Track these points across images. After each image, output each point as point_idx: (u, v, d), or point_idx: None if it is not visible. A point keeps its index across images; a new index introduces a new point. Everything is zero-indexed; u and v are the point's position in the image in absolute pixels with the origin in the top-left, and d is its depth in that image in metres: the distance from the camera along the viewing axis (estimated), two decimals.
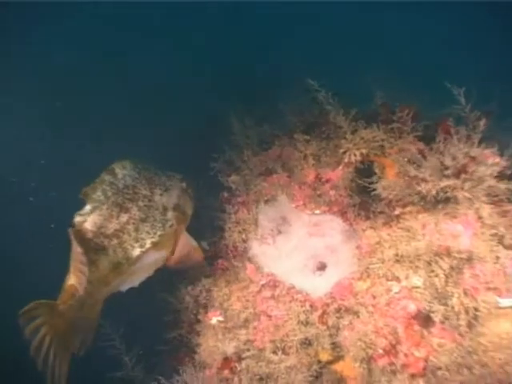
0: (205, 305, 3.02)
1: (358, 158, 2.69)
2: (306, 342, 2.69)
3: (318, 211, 2.92)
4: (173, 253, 2.94)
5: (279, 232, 3.09)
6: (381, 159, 2.69)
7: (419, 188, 2.39)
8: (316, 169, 2.93)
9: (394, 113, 2.74)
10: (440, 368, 2.32)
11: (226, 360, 2.68)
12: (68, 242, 2.52)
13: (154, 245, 2.73)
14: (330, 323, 2.64)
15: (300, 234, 2.98)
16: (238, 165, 3.39)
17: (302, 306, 2.76)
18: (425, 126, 2.70)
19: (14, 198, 5.68)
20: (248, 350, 2.70)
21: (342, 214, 2.86)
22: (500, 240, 2.35)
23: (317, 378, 2.67)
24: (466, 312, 2.32)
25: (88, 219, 2.69)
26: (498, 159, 2.38)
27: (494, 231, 2.35)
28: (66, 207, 2.87)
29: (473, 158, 2.35)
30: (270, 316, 2.79)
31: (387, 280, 2.52)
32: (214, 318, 2.85)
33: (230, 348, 2.67)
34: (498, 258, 2.32)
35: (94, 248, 2.60)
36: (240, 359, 2.68)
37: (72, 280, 2.54)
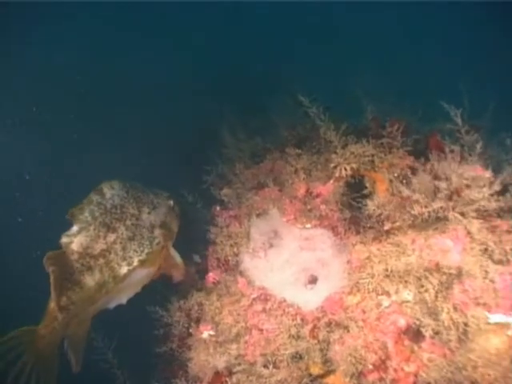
0: (197, 319, 3.02)
1: (349, 172, 2.71)
2: (297, 356, 2.69)
3: (308, 225, 2.92)
4: (159, 269, 2.96)
5: (271, 245, 3.09)
6: (371, 174, 2.71)
7: (412, 211, 2.39)
8: (307, 183, 2.95)
9: (384, 127, 2.76)
10: (430, 383, 2.32)
11: (217, 374, 2.67)
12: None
13: (142, 263, 2.78)
14: (321, 337, 2.64)
15: (291, 248, 2.99)
16: (230, 178, 3.40)
17: (293, 320, 2.76)
18: (415, 141, 2.72)
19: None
20: (239, 364, 2.69)
21: (333, 228, 2.87)
22: (490, 255, 2.36)
23: None
24: (456, 327, 2.32)
25: (75, 240, 2.70)
26: (488, 174, 2.40)
27: (483, 246, 2.36)
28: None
29: (467, 182, 2.36)
30: (261, 330, 2.79)
31: (377, 294, 2.52)
32: (206, 332, 2.84)
33: (220, 362, 2.67)
34: (487, 273, 2.33)
35: (79, 269, 2.64)
36: (231, 374, 2.67)
37: (54, 302, 2.57)
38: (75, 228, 2.76)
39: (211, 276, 3.13)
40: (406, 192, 2.40)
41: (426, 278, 2.40)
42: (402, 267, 2.44)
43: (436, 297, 2.39)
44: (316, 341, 2.65)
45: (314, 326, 2.68)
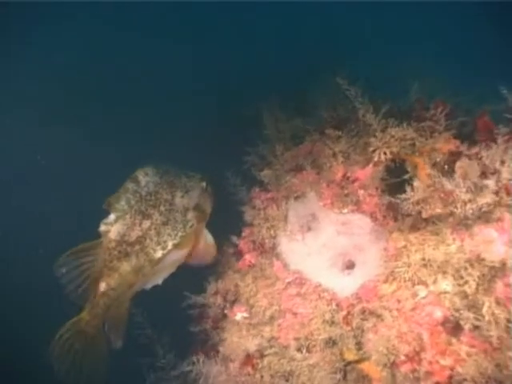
0: (232, 300, 3.07)
1: (389, 156, 2.59)
2: (331, 342, 2.67)
3: (345, 210, 2.85)
4: (193, 249, 3.04)
5: (309, 229, 3.05)
6: (412, 158, 2.58)
7: (453, 209, 2.25)
8: (345, 167, 2.86)
9: (428, 109, 2.61)
10: (466, 379, 2.22)
11: (248, 357, 2.72)
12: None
13: (176, 246, 2.86)
14: (354, 325, 2.60)
15: (328, 232, 2.93)
16: (269, 159, 3.37)
17: (328, 305, 2.73)
18: (461, 123, 2.55)
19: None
20: (271, 347, 2.72)
21: (371, 213, 2.78)
22: None
23: (341, 375, 2.65)
24: (497, 322, 2.20)
25: (112, 229, 2.81)
26: None
27: None
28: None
29: None
30: (295, 313, 2.79)
31: (413, 284, 2.43)
32: (239, 314, 2.89)
33: (252, 345, 2.70)
34: None
35: (116, 256, 2.76)
36: (262, 356, 2.70)
37: (95, 289, 2.80)
38: (112, 216, 2.87)
39: (247, 258, 3.15)
40: (448, 186, 2.26)
41: (466, 269, 2.27)
42: (440, 257, 2.33)
43: (477, 290, 2.26)
44: (349, 328, 2.62)
45: (348, 313, 2.64)
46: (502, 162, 2.21)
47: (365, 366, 2.66)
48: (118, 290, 2.83)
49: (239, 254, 3.27)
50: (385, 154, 2.58)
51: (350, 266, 2.87)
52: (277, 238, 3.10)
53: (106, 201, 2.90)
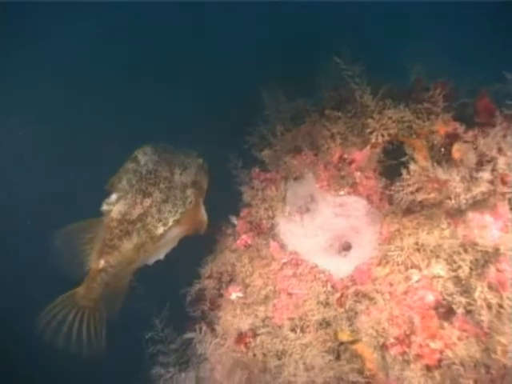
0: (228, 281, 3.10)
1: (386, 138, 2.56)
2: (324, 323, 2.69)
3: (342, 192, 2.83)
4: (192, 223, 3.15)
5: (307, 209, 3.04)
6: (410, 140, 2.53)
7: (448, 200, 2.22)
8: (342, 148, 2.82)
9: (428, 89, 2.55)
10: (455, 363, 2.22)
11: (241, 335, 2.75)
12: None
13: (176, 222, 2.89)
14: (347, 306, 2.61)
15: (326, 214, 2.92)
16: (270, 140, 3.34)
17: (323, 286, 2.74)
18: (461, 104, 2.49)
19: None
20: (265, 326, 2.75)
21: (367, 196, 2.75)
22: None
23: (334, 355, 2.67)
24: (489, 307, 2.18)
25: (113, 208, 2.85)
26: None
27: None
28: None
29: None
30: (290, 294, 2.80)
31: (406, 268, 2.42)
32: (234, 294, 2.91)
33: (245, 324, 2.74)
34: None
35: (117, 235, 2.81)
36: (255, 335, 2.74)
37: (94, 264, 2.86)
38: (114, 196, 2.92)
39: (244, 238, 3.16)
40: (442, 176, 2.22)
41: (460, 254, 2.25)
42: (433, 241, 2.31)
43: (470, 274, 2.25)
44: (343, 309, 2.63)
45: (342, 295, 2.65)
46: (499, 150, 2.16)
47: (359, 347, 2.68)
48: (118, 267, 2.91)
49: (237, 234, 3.28)
50: (382, 135, 2.55)
51: (347, 247, 2.86)
52: (275, 219, 3.10)
53: (109, 181, 2.96)
